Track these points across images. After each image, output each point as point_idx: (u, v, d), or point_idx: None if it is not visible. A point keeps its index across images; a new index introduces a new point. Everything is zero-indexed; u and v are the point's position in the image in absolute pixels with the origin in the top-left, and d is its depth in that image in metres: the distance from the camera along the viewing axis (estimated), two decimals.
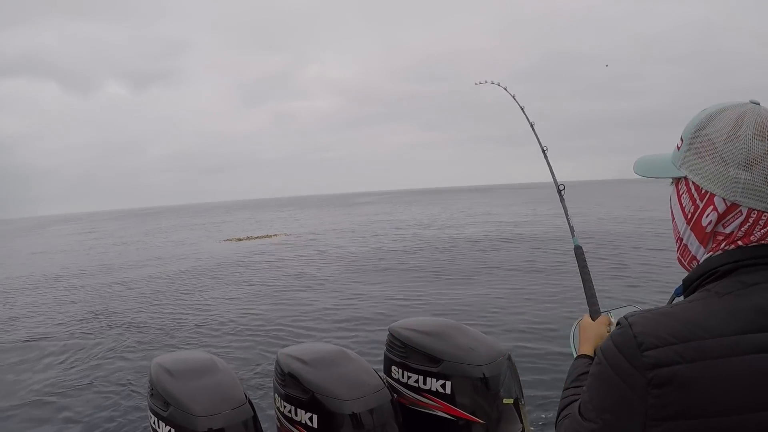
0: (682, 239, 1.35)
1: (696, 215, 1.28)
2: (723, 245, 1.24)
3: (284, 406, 3.57)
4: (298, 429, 3.48)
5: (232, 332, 11.96)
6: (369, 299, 14.22)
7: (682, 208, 1.32)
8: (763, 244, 1.20)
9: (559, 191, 2.43)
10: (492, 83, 2.99)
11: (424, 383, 3.70)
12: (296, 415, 3.47)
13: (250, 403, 3.43)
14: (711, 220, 1.24)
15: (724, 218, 1.22)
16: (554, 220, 37.03)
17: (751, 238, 1.20)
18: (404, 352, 3.84)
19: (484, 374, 3.58)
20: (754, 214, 1.19)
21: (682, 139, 1.32)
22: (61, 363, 10.73)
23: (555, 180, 2.47)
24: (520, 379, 3.77)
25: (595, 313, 1.99)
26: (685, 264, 1.37)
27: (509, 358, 3.69)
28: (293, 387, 3.52)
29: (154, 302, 16.09)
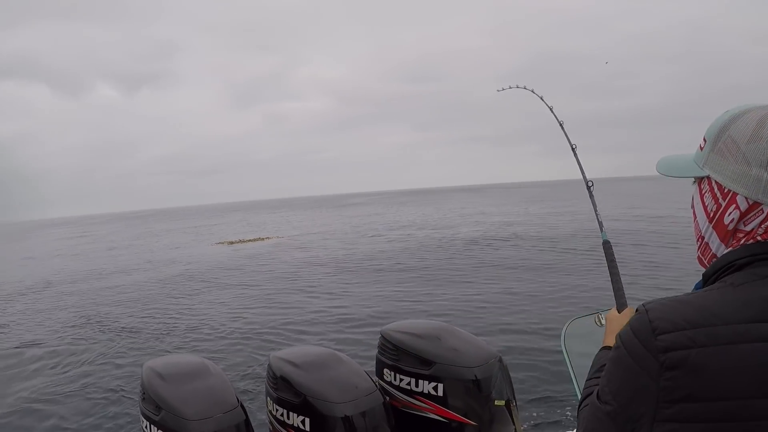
0: (703, 237, 1.38)
1: (718, 214, 1.31)
2: (743, 242, 1.27)
3: (276, 410, 3.56)
4: None
5: (224, 336, 11.96)
6: (361, 302, 14.24)
7: (705, 207, 1.35)
8: None
9: (588, 188, 2.46)
10: (517, 87, 2.94)
11: (416, 386, 3.70)
12: (288, 418, 3.46)
13: (242, 406, 3.42)
14: (733, 219, 1.27)
15: (746, 216, 1.26)
16: (547, 220, 37.16)
17: None
18: (396, 354, 3.84)
19: (475, 376, 3.59)
20: None
21: (704, 140, 1.35)
22: (52, 368, 10.70)
23: (584, 176, 2.49)
24: (512, 380, 3.78)
25: (621, 306, 2.02)
26: (705, 262, 1.40)
27: (500, 360, 3.70)
28: (285, 390, 3.51)
29: (146, 307, 16.07)
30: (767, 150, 1.21)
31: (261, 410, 4.48)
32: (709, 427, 1.09)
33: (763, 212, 1.23)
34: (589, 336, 2.25)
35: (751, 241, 1.25)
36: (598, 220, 2.38)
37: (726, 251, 1.30)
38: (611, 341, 1.79)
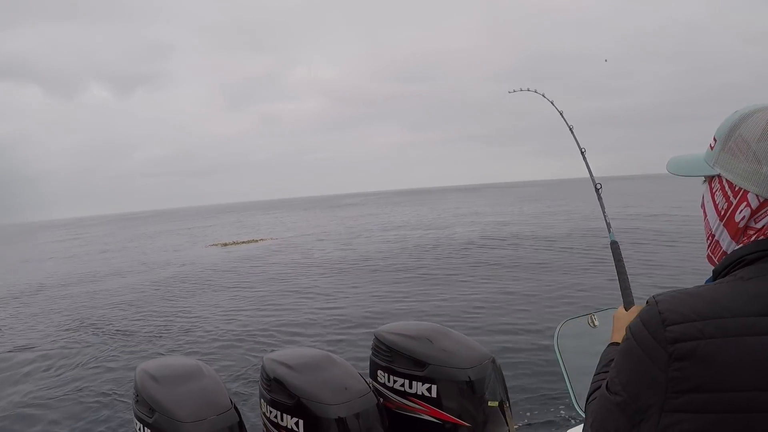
0: (714, 235, 1.40)
1: (729, 211, 1.33)
2: (753, 239, 1.29)
3: (270, 411, 3.56)
4: None
5: (218, 338, 11.94)
6: (355, 303, 14.23)
7: (716, 205, 1.37)
8: None
9: (597, 189, 2.48)
10: (528, 90, 2.97)
11: (410, 387, 3.70)
12: (282, 420, 3.46)
13: (236, 408, 3.42)
14: (744, 216, 1.29)
15: (757, 213, 1.28)
16: (542, 219, 37.19)
17: None
18: (390, 356, 3.84)
19: (469, 377, 3.59)
20: None
21: (715, 139, 1.38)
22: (44, 372, 10.67)
23: (593, 178, 2.51)
24: (506, 381, 3.78)
25: (628, 304, 2.03)
26: (715, 260, 1.42)
27: (494, 361, 3.70)
28: (279, 392, 3.51)
29: (139, 309, 16.04)
30: None
31: (255, 412, 4.48)
32: (716, 418, 1.10)
33: None
34: (582, 337, 2.26)
35: (762, 237, 1.27)
36: (606, 221, 2.40)
37: (736, 248, 1.32)
38: (619, 338, 1.82)
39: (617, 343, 1.78)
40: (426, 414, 3.65)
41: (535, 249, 22.13)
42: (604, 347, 1.80)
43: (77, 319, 15.24)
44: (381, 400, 3.65)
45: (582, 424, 2.97)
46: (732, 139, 1.32)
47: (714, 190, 1.38)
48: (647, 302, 1.23)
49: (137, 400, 3.54)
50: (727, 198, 1.33)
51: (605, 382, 1.31)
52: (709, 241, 1.43)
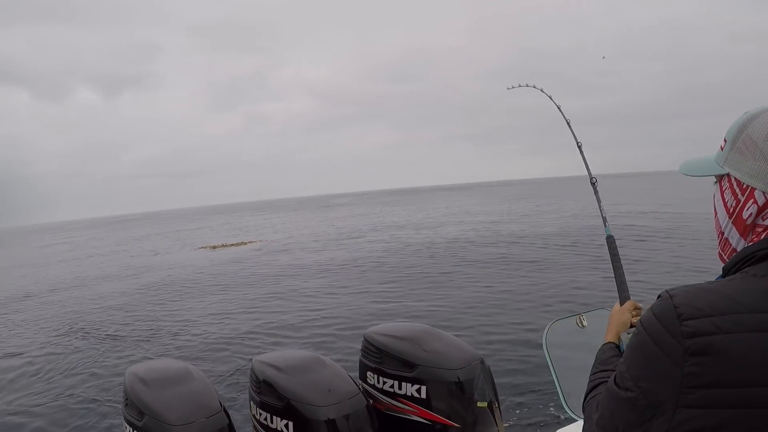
0: (723, 233, 1.43)
1: (738, 209, 1.36)
2: (763, 236, 1.32)
3: (260, 414, 3.56)
4: None
5: (207, 340, 11.92)
6: (344, 305, 14.22)
7: (725, 203, 1.40)
8: None
9: (593, 184, 2.49)
10: (527, 86, 3.00)
11: (400, 388, 3.71)
12: (272, 422, 3.45)
13: (225, 411, 3.41)
14: (751, 213, 1.33)
15: (764, 211, 1.31)
16: (531, 218, 37.23)
17: None
18: (379, 357, 3.84)
19: (458, 378, 3.60)
20: None
21: (725, 140, 1.41)
22: (32, 377, 10.63)
23: (589, 173, 2.52)
24: (495, 381, 3.79)
25: (624, 300, 2.04)
26: (725, 257, 1.44)
27: (482, 362, 3.71)
28: (268, 394, 3.50)
29: (128, 313, 15.99)
30: None
31: (244, 414, 4.47)
32: (732, 414, 1.10)
33: None
34: (571, 337, 2.27)
35: None
36: (602, 215, 2.41)
37: (746, 245, 1.34)
38: (611, 337, 1.82)
39: (612, 343, 1.80)
40: (415, 415, 3.66)
41: (525, 248, 22.18)
42: (592, 347, 1.81)
43: (66, 325, 15.18)
44: (370, 401, 3.65)
45: (571, 424, 2.98)
46: (740, 138, 1.35)
47: (723, 189, 1.41)
48: (660, 296, 1.23)
49: (126, 404, 3.53)
50: (736, 196, 1.36)
51: (612, 377, 1.31)
52: (719, 239, 1.45)
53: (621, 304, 1.98)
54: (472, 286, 15.36)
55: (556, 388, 2.14)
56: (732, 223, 1.38)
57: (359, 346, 4.08)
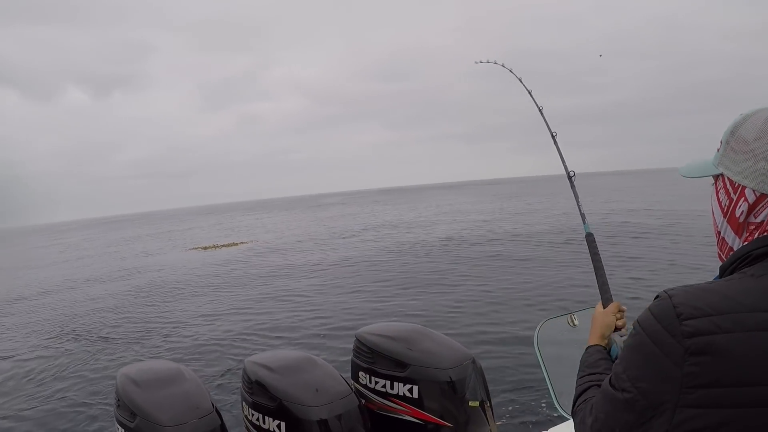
0: (720, 232, 1.45)
1: (731, 208, 1.39)
2: (756, 234, 1.33)
3: (252, 414, 3.56)
4: None
5: (199, 341, 11.89)
6: (336, 305, 14.21)
7: (720, 203, 1.43)
8: None
9: (570, 177, 2.43)
10: (495, 63, 2.87)
11: (392, 388, 3.71)
12: (264, 422, 3.46)
13: (218, 411, 3.41)
14: (743, 211, 1.35)
15: (755, 208, 1.33)
16: (522, 217, 37.24)
17: None
18: (371, 357, 3.85)
19: (450, 378, 3.61)
20: None
21: (721, 142, 1.44)
22: (24, 379, 10.58)
23: (565, 166, 2.46)
24: (487, 381, 3.79)
25: (606, 301, 2.01)
26: (723, 256, 1.45)
27: (474, 361, 3.72)
28: (260, 395, 3.51)
29: (120, 315, 15.93)
30: None
31: (237, 415, 4.46)
32: (733, 413, 1.10)
33: None
34: (562, 336, 2.27)
35: (765, 233, 1.31)
36: (580, 211, 2.35)
37: (742, 244, 1.36)
38: (595, 340, 1.81)
39: (597, 345, 1.78)
40: (408, 415, 3.66)
41: (516, 246, 22.19)
42: (584, 346, 1.81)
43: (57, 327, 15.12)
44: (363, 401, 3.66)
45: (563, 423, 2.99)
46: (733, 139, 1.38)
47: (719, 189, 1.43)
48: (658, 296, 1.23)
49: (119, 405, 3.53)
50: (729, 195, 1.39)
51: (607, 380, 1.30)
52: (717, 238, 1.47)
53: (604, 306, 1.96)
54: (463, 285, 15.36)
55: (548, 387, 2.14)
56: (727, 222, 1.40)
57: (351, 347, 4.08)
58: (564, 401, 2.15)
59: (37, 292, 22.74)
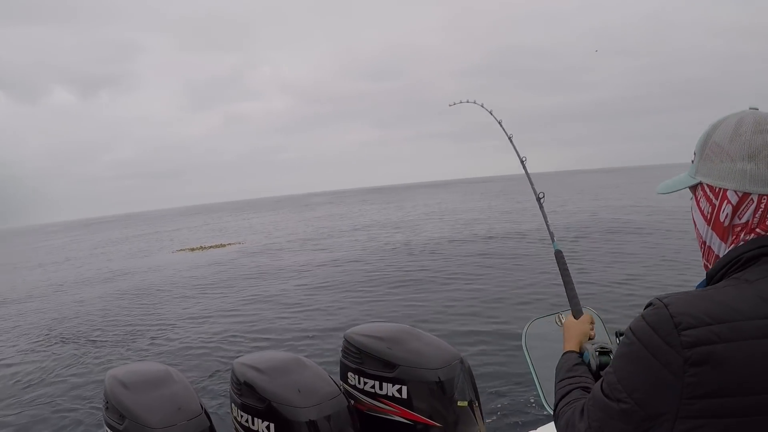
0: (705, 242, 1.44)
1: (714, 213, 1.38)
2: (742, 235, 1.33)
3: (241, 416, 3.56)
4: None
5: (188, 343, 11.86)
6: (324, 305, 14.20)
7: (702, 211, 1.42)
8: None
9: (538, 199, 2.52)
10: (468, 102, 3.11)
11: (381, 388, 3.72)
12: (253, 424, 3.45)
13: (207, 413, 3.41)
14: (727, 213, 1.34)
15: (739, 209, 1.32)
16: (510, 216, 37.28)
17: (767, 222, 1.30)
18: (359, 358, 3.85)
19: (439, 378, 3.61)
20: (765, 199, 1.30)
21: (694, 153, 1.45)
22: (10, 381, 10.52)
23: (533, 189, 2.56)
24: (475, 380, 3.80)
25: (577, 313, 2.07)
26: (710, 266, 1.43)
27: (462, 361, 3.72)
28: (249, 396, 3.50)
29: (107, 317, 15.86)
30: (747, 144, 1.30)
31: (226, 417, 4.46)
32: (735, 422, 1.10)
33: (753, 202, 1.31)
34: (550, 336, 2.28)
35: (752, 234, 1.31)
36: (549, 230, 2.45)
37: (729, 249, 1.35)
38: (572, 346, 1.84)
39: (573, 351, 1.81)
40: (397, 415, 3.67)
41: (505, 246, 22.21)
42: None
43: (44, 330, 15.05)
44: (352, 402, 3.66)
45: (551, 422, 3.01)
46: (707, 146, 1.39)
47: (699, 199, 1.43)
48: (652, 304, 1.22)
49: (107, 407, 3.52)
50: (710, 201, 1.38)
51: (598, 386, 1.30)
52: (702, 249, 1.46)
53: (575, 317, 2.01)
54: (451, 285, 15.38)
55: (536, 386, 2.15)
56: (711, 229, 1.39)
57: (340, 347, 4.08)
58: (552, 400, 2.17)
59: (24, 296, 22.59)
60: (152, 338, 12.70)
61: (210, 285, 19.92)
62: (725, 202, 1.34)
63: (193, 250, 35.66)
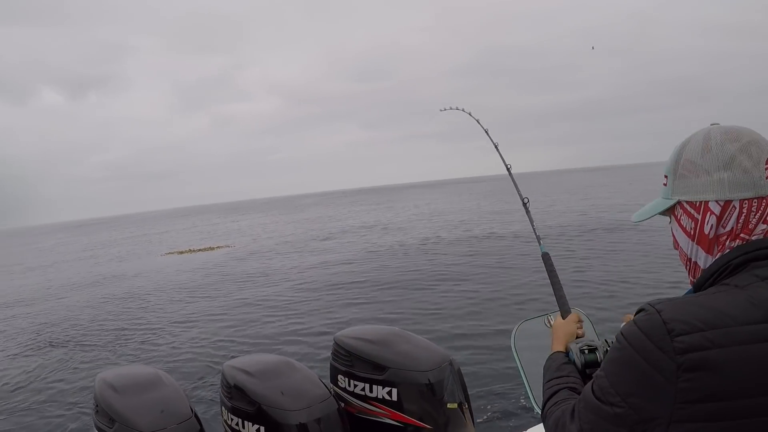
0: (690, 259, 1.44)
1: (698, 228, 1.39)
2: (727, 243, 1.34)
3: (231, 419, 3.55)
4: None
5: (177, 347, 11.83)
6: (314, 308, 14.18)
7: (684, 229, 1.43)
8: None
9: (524, 204, 2.55)
10: (456, 109, 3.16)
11: (371, 391, 3.72)
12: (243, 427, 3.45)
13: (197, 416, 3.40)
14: (711, 225, 1.35)
15: (722, 218, 1.34)
16: (500, 216, 37.31)
17: (750, 226, 1.32)
18: (349, 360, 3.85)
19: (429, 380, 3.62)
20: (746, 203, 1.31)
21: (666, 176, 1.47)
22: (0, 387, 10.46)
23: (520, 194, 2.59)
24: (465, 382, 3.81)
25: (565, 313, 2.08)
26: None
27: (451, 363, 3.73)
28: (239, 399, 3.50)
29: (96, 321, 15.79)
30: (720, 154, 1.33)
31: (216, 420, 4.45)
32: (726, 425, 1.12)
33: (735, 208, 1.32)
34: (539, 337, 2.29)
35: (738, 240, 1.32)
36: (535, 234, 2.48)
37: (716, 257, 1.36)
38: (560, 346, 1.85)
39: (561, 352, 1.83)
40: (387, 417, 3.67)
41: (494, 246, 22.23)
42: None
43: (32, 334, 14.97)
44: (342, 404, 3.67)
45: (541, 423, 3.02)
46: (680, 166, 1.41)
47: (679, 217, 1.44)
48: (644, 310, 1.23)
49: (97, 411, 3.51)
50: (692, 216, 1.40)
51: (589, 389, 1.31)
52: (687, 267, 1.46)
53: (563, 317, 2.03)
54: (441, 286, 15.40)
55: (526, 388, 2.17)
56: (696, 244, 1.40)
57: (330, 350, 4.08)
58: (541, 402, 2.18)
59: (12, 300, 22.45)
60: (141, 342, 12.66)
61: (199, 288, 19.86)
62: (708, 213, 1.35)
63: (182, 253, 35.53)
